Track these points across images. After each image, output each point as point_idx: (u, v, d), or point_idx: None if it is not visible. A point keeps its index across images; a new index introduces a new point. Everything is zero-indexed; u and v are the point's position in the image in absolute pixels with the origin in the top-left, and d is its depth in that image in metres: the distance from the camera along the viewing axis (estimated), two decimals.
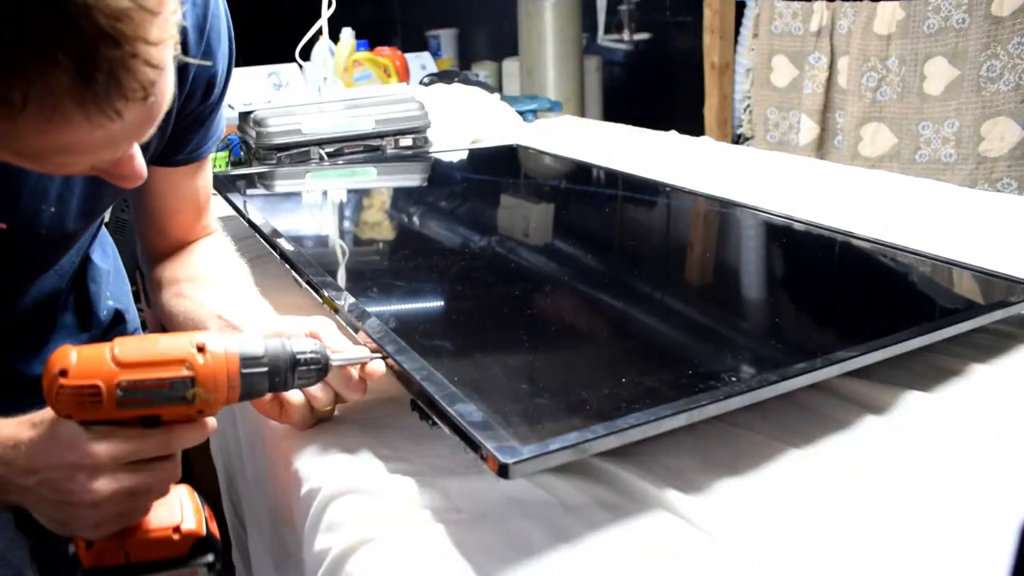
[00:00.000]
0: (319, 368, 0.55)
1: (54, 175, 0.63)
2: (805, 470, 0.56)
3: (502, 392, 0.58)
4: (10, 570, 0.71)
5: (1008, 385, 0.65)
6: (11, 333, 0.76)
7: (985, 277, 0.79)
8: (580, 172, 1.36)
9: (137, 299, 1.00)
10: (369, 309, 0.69)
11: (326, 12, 1.52)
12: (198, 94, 0.70)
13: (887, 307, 0.76)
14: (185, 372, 0.48)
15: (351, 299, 0.71)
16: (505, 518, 0.52)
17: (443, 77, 2.07)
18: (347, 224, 1.12)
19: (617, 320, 0.77)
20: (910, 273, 0.85)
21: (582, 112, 2.68)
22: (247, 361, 0.50)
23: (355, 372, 0.60)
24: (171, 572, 0.53)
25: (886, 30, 1.87)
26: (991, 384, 0.66)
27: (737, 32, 2.25)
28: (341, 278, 0.82)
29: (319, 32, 1.57)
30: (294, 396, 0.60)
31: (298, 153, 1.37)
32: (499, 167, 1.46)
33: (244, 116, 1.45)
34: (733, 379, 0.57)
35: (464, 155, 1.53)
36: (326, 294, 0.72)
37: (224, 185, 1.18)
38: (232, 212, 1.03)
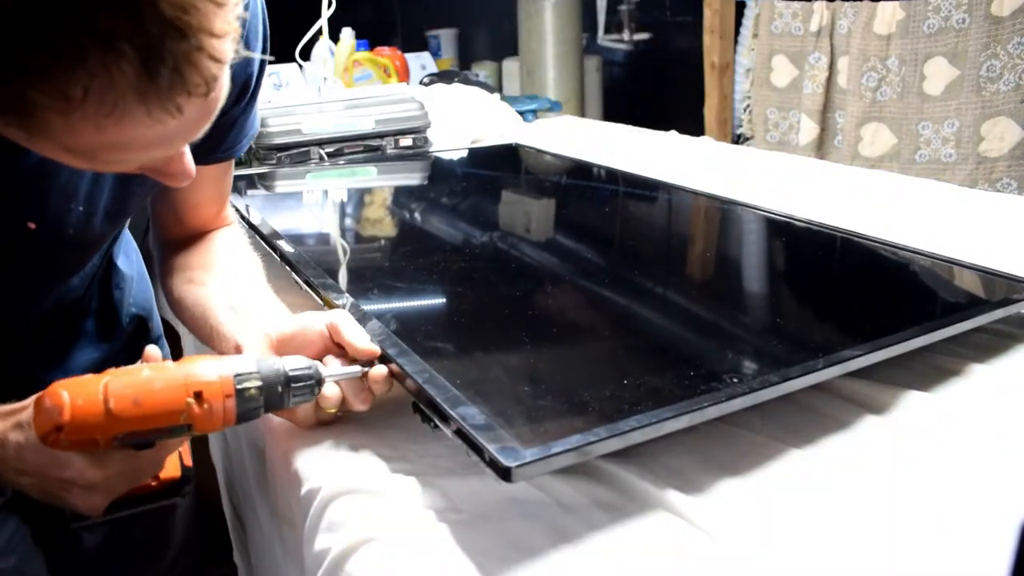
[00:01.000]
0: (312, 384, 0.56)
1: (84, 173, 0.62)
2: (805, 470, 0.56)
3: (504, 394, 0.58)
4: None
5: (1008, 385, 0.65)
6: (32, 337, 0.75)
7: (985, 276, 0.79)
8: (580, 172, 1.36)
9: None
10: (369, 310, 0.69)
11: (326, 12, 1.52)
12: (235, 93, 0.68)
13: (887, 306, 0.76)
14: (182, 421, 0.50)
15: (351, 300, 0.71)
16: (505, 518, 0.52)
17: (443, 77, 2.07)
18: (347, 224, 1.12)
19: (618, 320, 0.77)
20: (910, 272, 0.85)
21: (582, 112, 2.68)
22: (243, 391, 0.52)
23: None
24: (154, 505, 0.65)
25: (886, 30, 1.87)
26: (991, 384, 0.66)
27: (737, 32, 2.24)
28: (341, 279, 0.83)
29: (319, 32, 1.57)
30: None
31: (298, 153, 1.37)
32: (499, 167, 1.46)
33: None
34: (735, 380, 0.57)
35: (464, 155, 1.53)
36: (326, 295, 0.72)
37: None
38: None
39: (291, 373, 0.54)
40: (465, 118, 1.65)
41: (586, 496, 0.54)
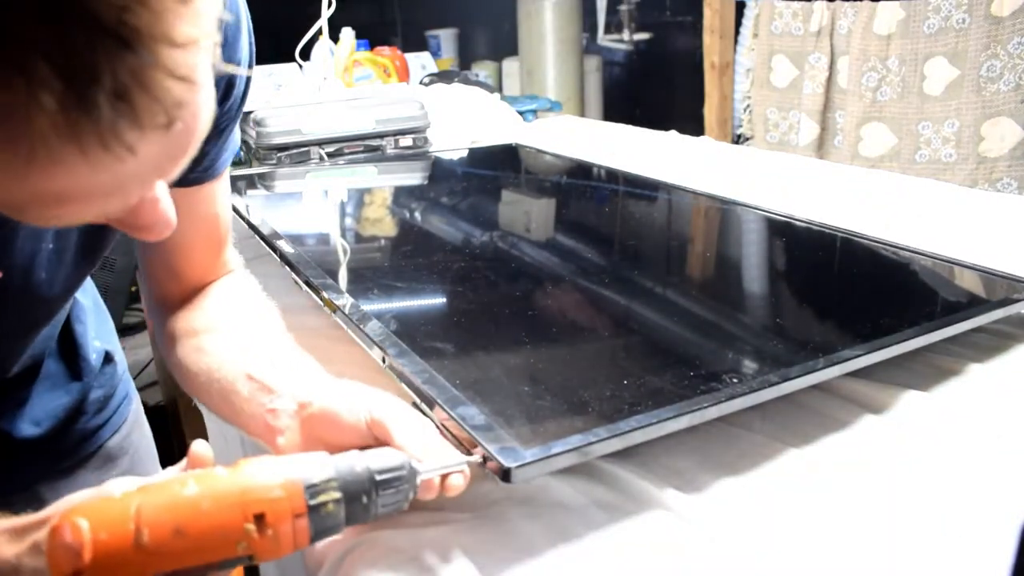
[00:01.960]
0: (407, 489, 0.44)
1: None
2: (805, 470, 0.56)
3: (504, 394, 0.58)
4: None
5: (1008, 385, 0.65)
6: None
7: (985, 276, 0.79)
8: (580, 172, 1.36)
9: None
10: (369, 310, 0.69)
11: (326, 12, 1.52)
12: (216, 97, 0.58)
13: (887, 306, 0.76)
14: (240, 552, 0.38)
15: (351, 300, 0.71)
16: (505, 518, 0.52)
17: (443, 77, 2.07)
18: (347, 224, 1.12)
19: (618, 320, 0.77)
20: (910, 272, 0.85)
21: (582, 112, 2.68)
22: (317, 507, 0.40)
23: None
24: None
25: (886, 30, 1.87)
26: (990, 384, 0.66)
27: (737, 32, 2.24)
28: (341, 279, 0.83)
29: (319, 32, 1.57)
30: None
31: (298, 153, 1.37)
32: (499, 167, 1.46)
33: (244, 116, 1.45)
34: (734, 380, 0.57)
35: (464, 155, 1.53)
36: (326, 295, 0.72)
37: None
38: (231, 213, 1.03)
39: (379, 476, 0.42)
40: (465, 118, 1.65)
41: (586, 496, 0.54)
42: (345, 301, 0.70)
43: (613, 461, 0.56)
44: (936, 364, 0.68)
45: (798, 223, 0.97)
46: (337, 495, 0.41)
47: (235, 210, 1.02)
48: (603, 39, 2.88)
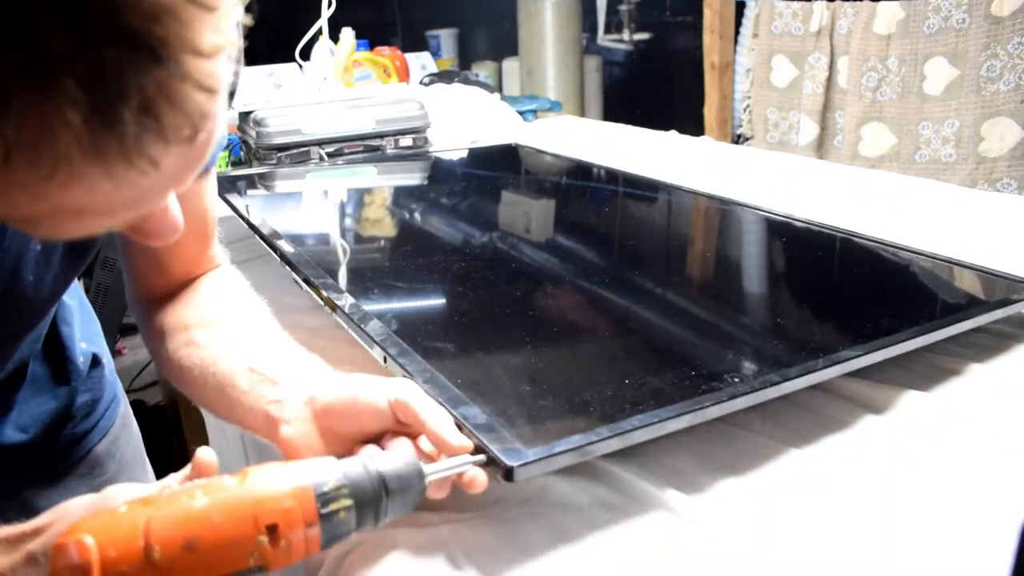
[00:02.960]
0: (417, 490, 0.43)
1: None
2: (805, 470, 0.56)
3: (505, 394, 0.58)
4: None
5: (1008, 385, 0.65)
6: None
7: (985, 276, 0.79)
8: (580, 172, 1.36)
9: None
10: (370, 310, 0.69)
11: (326, 12, 1.52)
12: None
13: (887, 306, 0.76)
14: (252, 563, 0.37)
15: (351, 300, 0.71)
16: (506, 518, 0.52)
17: (443, 77, 2.07)
18: (347, 224, 1.12)
19: (619, 320, 0.77)
20: (910, 272, 0.85)
21: (582, 112, 2.68)
22: (329, 515, 0.40)
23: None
24: None
25: (886, 30, 1.87)
26: (991, 384, 0.66)
27: (737, 32, 2.25)
28: (342, 278, 0.83)
29: (319, 32, 1.57)
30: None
31: (298, 153, 1.37)
32: (499, 167, 1.46)
33: (244, 116, 1.45)
34: (736, 379, 0.57)
35: (464, 155, 1.53)
36: (326, 295, 0.72)
37: (224, 185, 1.18)
38: (231, 213, 1.03)
39: (390, 481, 0.42)
40: (465, 118, 1.65)
41: (587, 496, 0.54)
42: (345, 301, 0.70)
43: (614, 461, 0.56)
44: (936, 364, 0.68)
45: (798, 223, 0.97)
46: (348, 502, 0.40)
47: (235, 210, 1.02)
48: (603, 39, 2.88)
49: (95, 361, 0.76)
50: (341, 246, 1.00)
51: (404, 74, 1.96)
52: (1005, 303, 0.71)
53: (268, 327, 0.59)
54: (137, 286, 0.65)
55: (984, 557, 0.47)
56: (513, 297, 0.80)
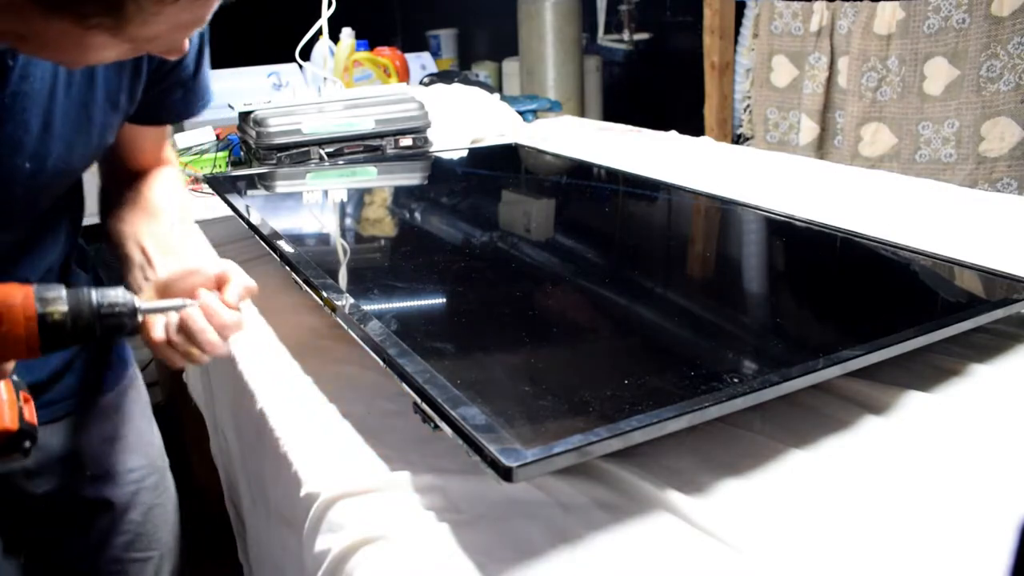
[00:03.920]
0: (124, 316, 0.54)
1: (38, 106, 0.63)
2: (805, 470, 0.56)
3: (505, 394, 0.58)
4: None
5: (1008, 385, 0.65)
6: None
7: (985, 276, 0.79)
8: (580, 172, 1.36)
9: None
10: (369, 310, 0.69)
11: (326, 12, 1.52)
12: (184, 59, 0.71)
13: (887, 306, 0.76)
14: None
15: (351, 300, 0.71)
16: (505, 518, 0.52)
17: (443, 77, 2.07)
18: (347, 224, 1.12)
19: (619, 320, 0.77)
20: (910, 272, 0.85)
21: (582, 112, 2.68)
22: (45, 315, 0.51)
23: (203, 325, 0.58)
24: None
25: (886, 30, 1.87)
26: (991, 384, 0.66)
27: (737, 32, 2.24)
28: (342, 279, 0.82)
29: (319, 32, 1.57)
30: (156, 336, 0.58)
31: (298, 153, 1.37)
32: (499, 167, 1.46)
33: (244, 116, 1.45)
34: (735, 380, 0.57)
35: (464, 155, 1.53)
36: (326, 295, 0.72)
37: (224, 185, 1.18)
38: (231, 213, 1.03)
39: (102, 304, 0.53)
40: (465, 118, 1.65)
41: (586, 496, 0.54)
42: (345, 301, 0.70)
43: (613, 461, 0.56)
44: (936, 364, 0.68)
45: (798, 223, 0.97)
46: (64, 308, 0.51)
47: (235, 210, 1.02)
48: (603, 39, 2.88)
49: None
50: (341, 246, 1.00)
51: (404, 74, 1.96)
52: (1005, 303, 0.71)
53: (175, 218, 0.75)
54: (105, 178, 0.82)
55: (984, 557, 0.47)
56: (512, 297, 0.80)
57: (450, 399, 0.53)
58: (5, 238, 0.71)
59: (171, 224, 0.73)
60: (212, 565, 1.10)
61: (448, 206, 1.19)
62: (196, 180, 1.43)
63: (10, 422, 0.61)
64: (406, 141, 1.44)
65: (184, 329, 0.58)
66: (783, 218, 0.99)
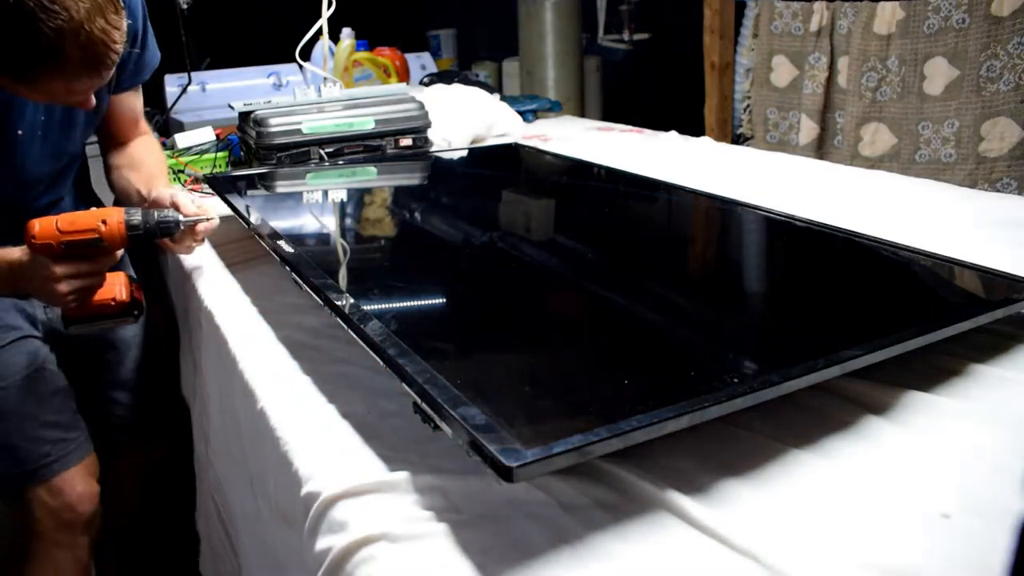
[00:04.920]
0: (172, 225, 0.94)
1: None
2: (805, 470, 0.56)
3: (505, 394, 0.58)
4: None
5: (1008, 385, 0.65)
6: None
7: (985, 276, 0.79)
8: (580, 172, 1.36)
9: None
10: (369, 310, 0.69)
11: (326, 12, 1.52)
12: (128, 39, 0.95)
13: (888, 306, 0.76)
14: (96, 235, 0.89)
15: (351, 300, 0.71)
16: (505, 518, 0.52)
17: (443, 77, 2.07)
18: (347, 224, 1.12)
19: (619, 320, 0.77)
20: (910, 272, 0.85)
21: (582, 112, 2.68)
22: (128, 221, 0.90)
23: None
24: (113, 320, 1.00)
25: (886, 30, 1.87)
26: (991, 384, 0.66)
27: (737, 32, 2.24)
28: (341, 279, 0.82)
29: (319, 32, 1.57)
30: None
31: (298, 153, 1.37)
32: (499, 167, 1.46)
33: (244, 116, 1.45)
34: (735, 380, 0.57)
35: (464, 155, 1.53)
36: (326, 295, 0.72)
37: (224, 186, 1.18)
38: (231, 213, 1.03)
39: (160, 218, 0.93)
40: (465, 118, 1.65)
41: (586, 496, 0.54)
42: (345, 301, 0.70)
43: (613, 461, 0.56)
44: (937, 364, 0.68)
45: (798, 223, 0.97)
46: (139, 219, 0.91)
47: (235, 210, 1.02)
48: (603, 39, 2.88)
49: None
50: (341, 246, 1.00)
51: (404, 74, 1.96)
52: (1006, 303, 0.71)
53: (158, 171, 1.17)
54: (103, 147, 1.22)
55: (985, 555, 0.47)
56: (512, 297, 0.80)
57: (450, 399, 0.53)
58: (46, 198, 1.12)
59: (157, 174, 1.15)
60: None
61: (448, 206, 1.19)
62: (196, 180, 1.43)
63: (123, 295, 0.98)
64: (406, 141, 1.44)
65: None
66: (783, 218, 0.99)
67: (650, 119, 1.86)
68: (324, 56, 1.65)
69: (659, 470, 0.55)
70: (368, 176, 1.36)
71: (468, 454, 0.50)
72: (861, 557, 0.47)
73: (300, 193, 1.31)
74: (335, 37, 1.76)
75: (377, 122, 1.41)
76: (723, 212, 1.07)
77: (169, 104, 2.37)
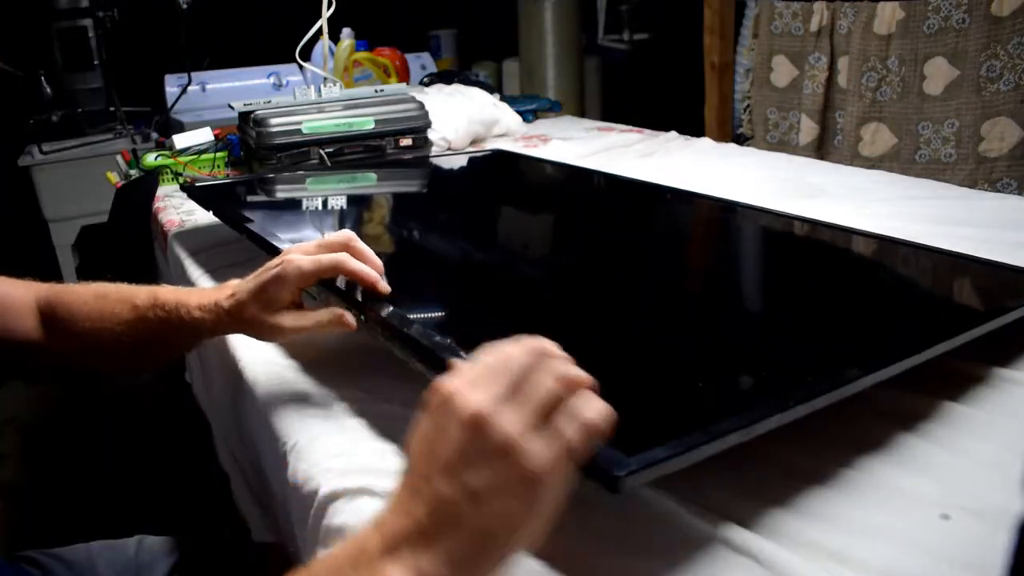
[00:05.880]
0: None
1: None
2: (816, 470, 0.55)
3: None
4: None
5: (1008, 384, 0.65)
6: None
7: (1008, 272, 0.76)
8: (580, 172, 1.35)
9: None
10: (410, 316, 0.65)
11: (326, 12, 1.52)
12: None
13: (921, 308, 0.74)
14: None
15: (389, 306, 0.66)
16: None
17: (443, 77, 2.07)
18: (347, 225, 1.12)
19: (666, 324, 0.73)
20: (932, 271, 0.83)
21: (582, 112, 2.68)
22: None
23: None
24: None
25: (886, 30, 1.87)
26: (992, 383, 0.65)
27: (737, 32, 2.24)
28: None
29: (319, 32, 1.57)
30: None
31: (298, 153, 1.37)
32: (499, 167, 1.46)
33: (244, 116, 1.45)
34: (809, 380, 0.54)
35: (464, 155, 1.53)
36: (334, 300, 0.69)
37: (224, 186, 1.18)
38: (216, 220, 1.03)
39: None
40: (465, 118, 1.65)
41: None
42: (378, 307, 0.66)
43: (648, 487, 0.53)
44: (957, 368, 0.66)
45: (809, 224, 0.96)
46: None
47: (235, 210, 1.02)
48: (603, 39, 2.88)
49: None
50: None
51: (404, 74, 1.96)
52: None
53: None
54: None
55: (982, 556, 0.47)
56: (550, 301, 0.78)
57: None
58: None
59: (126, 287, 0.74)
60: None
61: (448, 206, 1.19)
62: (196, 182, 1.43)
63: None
64: (406, 141, 1.44)
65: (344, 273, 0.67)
66: (789, 219, 0.98)
67: (650, 119, 1.86)
68: (324, 56, 1.65)
69: (701, 499, 0.52)
70: (368, 176, 1.36)
71: None
72: (864, 557, 0.47)
73: (300, 194, 1.31)
74: (335, 37, 1.76)
75: (377, 122, 1.41)
76: (724, 213, 1.07)
77: (169, 104, 2.37)
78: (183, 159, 1.50)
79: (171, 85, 2.44)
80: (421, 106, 1.47)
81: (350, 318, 0.65)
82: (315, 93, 1.46)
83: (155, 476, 1.66)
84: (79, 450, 1.97)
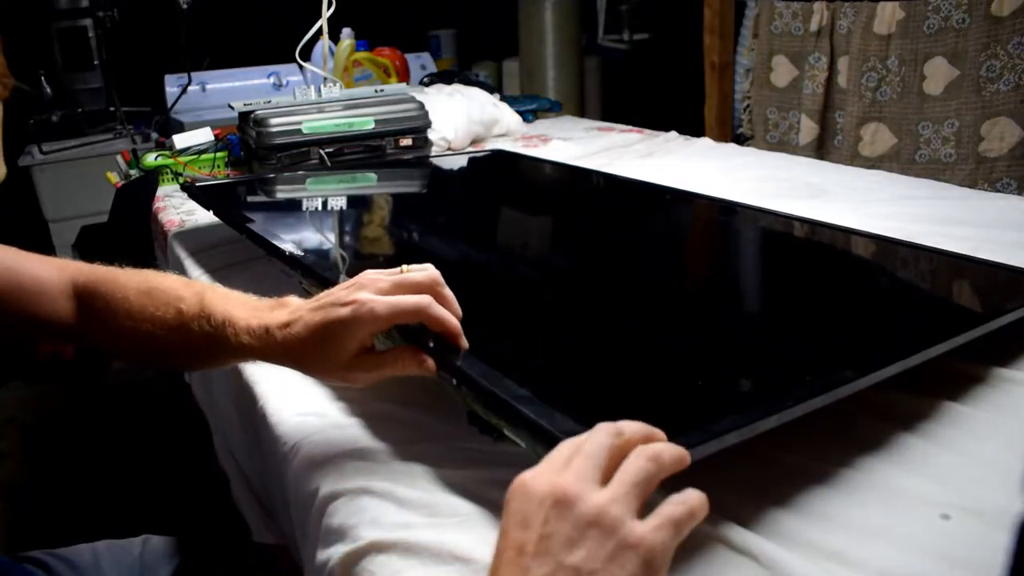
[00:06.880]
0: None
1: None
2: (816, 470, 0.55)
3: (584, 397, 0.54)
4: None
5: (1007, 384, 0.65)
6: None
7: (1008, 272, 0.76)
8: (580, 173, 1.35)
9: None
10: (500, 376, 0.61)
11: (326, 12, 1.52)
12: None
13: (921, 308, 0.74)
14: None
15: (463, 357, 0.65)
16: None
17: (443, 77, 2.07)
18: (347, 225, 1.12)
19: (666, 324, 0.72)
20: (931, 271, 0.83)
21: (582, 112, 2.68)
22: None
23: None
24: None
25: (886, 30, 1.87)
26: (993, 383, 0.65)
27: (737, 32, 2.24)
28: (341, 278, 0.82)
29: (319, 32, 1.57)
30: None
31: (298, 153, 1.37)
32: (499, 167, 1.46)
33: (244, 116, 1.45)
34: (808, 380, 0.55)
35: (464, 155, 1.53)
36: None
37: (223, 186, 1.18)
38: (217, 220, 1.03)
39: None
40: (465, 118, 1.65)
41: None
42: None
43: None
44: (958, 368, 0.66)
45: (808, 225, 0.96)
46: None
47: (235, 210, 1.02)
48: (603, 39, 2.88)
49: None
50: (341, 246, 1.00)
51: (404, 74, 1.96)
52: None
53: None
54: None
55: (982, 555, 0.47)
56: (559, 300, 0.78)
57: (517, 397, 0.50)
58: None
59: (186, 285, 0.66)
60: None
61: (448, 206, 1.19)
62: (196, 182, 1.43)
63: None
64: (406, 141, 1.44)
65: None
66: (789, 220, 0.98)
67: (650, 119, 1.86)
68: (324, 56, 1.65)
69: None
70: (368, 177, 1.36)
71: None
72: (867, 558, 0.47)
73: (300, 194, 1.31)
74: (335, 37, 1.76)
75: (377, 122, 1.41)
76: (725, 214, 1.07)
77: (169, 104, 2.37)
78: (183, 159, 1.50)
79: (171, 85, 2.44)
80: (421, 106, 1.47)
81: (431, 364, 0.56)
82: (315, 93, 1.46)
83: (155, 476, 1.67)
84: (79, 450, 1.97)
